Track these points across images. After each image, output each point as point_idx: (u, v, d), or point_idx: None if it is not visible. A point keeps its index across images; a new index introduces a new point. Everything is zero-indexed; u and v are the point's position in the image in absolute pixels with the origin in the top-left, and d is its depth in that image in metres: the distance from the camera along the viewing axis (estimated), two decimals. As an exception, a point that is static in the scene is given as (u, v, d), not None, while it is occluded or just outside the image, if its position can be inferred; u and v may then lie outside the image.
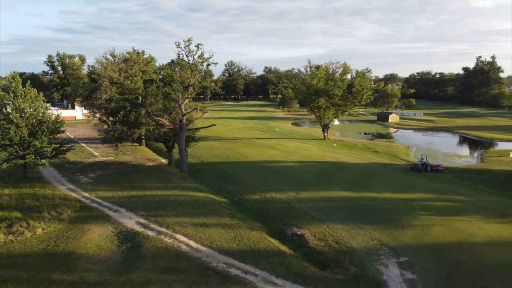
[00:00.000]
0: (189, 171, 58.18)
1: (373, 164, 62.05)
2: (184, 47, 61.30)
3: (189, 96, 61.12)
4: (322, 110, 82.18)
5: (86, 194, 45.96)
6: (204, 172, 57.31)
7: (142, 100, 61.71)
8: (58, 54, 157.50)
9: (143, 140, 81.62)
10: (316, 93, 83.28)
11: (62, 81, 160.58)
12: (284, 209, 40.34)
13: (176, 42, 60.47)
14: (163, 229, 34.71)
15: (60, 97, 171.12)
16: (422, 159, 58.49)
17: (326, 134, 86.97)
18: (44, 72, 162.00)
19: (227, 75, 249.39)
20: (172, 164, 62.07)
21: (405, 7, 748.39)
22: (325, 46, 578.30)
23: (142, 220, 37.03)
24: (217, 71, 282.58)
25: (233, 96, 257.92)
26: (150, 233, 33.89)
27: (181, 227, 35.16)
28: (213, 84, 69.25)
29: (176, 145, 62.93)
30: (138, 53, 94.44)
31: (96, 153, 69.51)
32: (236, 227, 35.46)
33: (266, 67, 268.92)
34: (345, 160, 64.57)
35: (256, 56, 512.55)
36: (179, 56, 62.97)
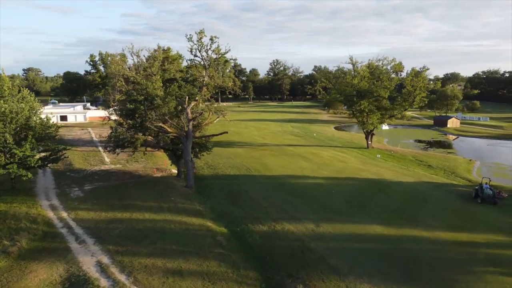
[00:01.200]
0: (198, 186, 49.67)
1: (423, 184, 49.70)
2: (197, 41, 52.99)
3: (199, 98, 52.50)
4: (365, 114, 70.35)
5: (64, 215, 38.80)
6: (213, 188, 48.39)
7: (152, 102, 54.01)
8: (100, 53, 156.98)
9: None
10: (358, 94, 71.54)
11: (104, 80, 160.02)
12: (294, 250, 30.37)
13: (187, 35, 52.35)
14: (121, 278, 26.08)
15: (103, 96, 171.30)
16: (486, 184, 44.12)
17: (370, 143, 74.85)
18: (86, 71, 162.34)
19: (272, 74, 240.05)
20: (181, 176, 53.78)
21: (470, 2, 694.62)
22: (381, 44, 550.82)
23: (104, 260, 28.74)
24: (262, 70, 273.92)
25: (278, 96, 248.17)
26: (103, 283, 25.37)
27: (146, 275, 26.37)
28: (231, 83, 60.13)
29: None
30: (164, 49, 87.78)
31: (107, 160, 63.11)
32: (221, 279, 26.12)
33: (315, 66, 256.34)
34: (388, 177, 52.69)
35: (308, 55, 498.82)
36: (191, 51, 54.65)
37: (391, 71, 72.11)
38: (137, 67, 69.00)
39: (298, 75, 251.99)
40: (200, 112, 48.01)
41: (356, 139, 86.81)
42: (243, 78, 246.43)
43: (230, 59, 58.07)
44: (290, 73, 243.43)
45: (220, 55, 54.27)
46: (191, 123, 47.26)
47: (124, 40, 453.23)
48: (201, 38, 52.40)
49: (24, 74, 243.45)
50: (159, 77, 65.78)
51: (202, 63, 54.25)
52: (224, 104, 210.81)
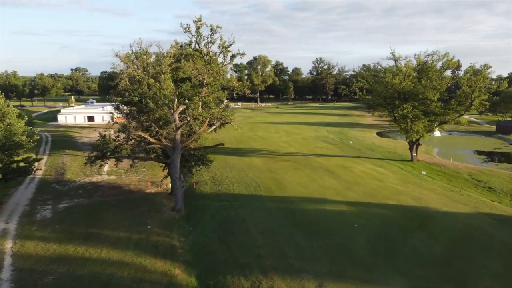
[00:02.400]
0: (190, 207, 40.87)
1: (482, 218, 37.17)
2: (195, 31, 44.07)
3: (197, 101, 43.53)
4: (409, 120, 57.94)
5: (8, 246, 31.62)
6: (206, 213, 39.18)
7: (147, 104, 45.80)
8: (136, 52, 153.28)
9: None
10: (399, 96, 59.15)
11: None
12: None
13: (183, 26, 43.68)
14: None
15: None
16: None
17: (414, 154, 62.08)
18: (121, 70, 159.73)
19: (314, 73, 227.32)
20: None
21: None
22: (439, 42, 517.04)
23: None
24: (305, 69, 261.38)
25: (322, 97, 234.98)
26: None
27: None
28: (237, 83, 50.56)
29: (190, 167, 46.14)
30: (181, 45, 79.94)
31: (105, 169, 55.92)
32: None
33: (364, 65, 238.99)
34: (433, 204, 40.58)
35: (362, 54, 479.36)
36: (190, 45, 45.82)
37: (443, 68, 58.88)
38: (145, 65, 61.56)
39: (344, 74, 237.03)
40: (188, 119, 38.72)
41: (399, 149, 73.92)
42: (285, 78, 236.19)
43: (238, 54, 48.35)
44: (335, 72, 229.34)
45: (224, 49, 44.97)
46: (179, 131, 38.29)
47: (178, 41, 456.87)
48: (199, 28, 43.42)
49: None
50: (168, 75, 57.75)
51: (202, 57, 45.14)
52: (262, 104, 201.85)
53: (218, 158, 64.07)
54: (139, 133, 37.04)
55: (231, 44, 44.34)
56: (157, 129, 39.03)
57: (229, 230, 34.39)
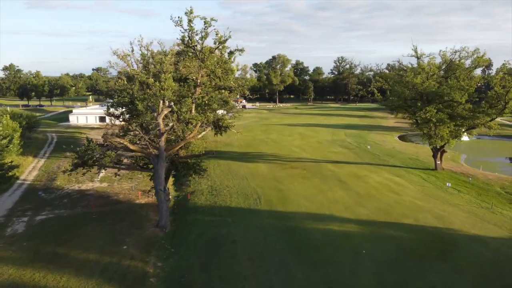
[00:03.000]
0: (178, 222, 36.47)
1: (519, 244, 31.06)
2: (187, 25, 39.65)
3: (189, 102, 39.02)
4: (432, 125, 51.64)
5: (-39, 268, 27.53)
6: (194, 230, 34.60)
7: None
8: (152, 51, 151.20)
9: None
10: (421, 97, 52.86)
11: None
12: None
13: (172, 17, 39.31)
14: None
15: None
16: None
17: (438, 162, 55.63)
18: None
19: (336, 72, 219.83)
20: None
21: None
22: (467, 41, 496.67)
23: None
24: (327, 69, 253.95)
25: (343, 97, 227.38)
26: None
27: None
28: (234, 83, 45.69)
29: (184, 174, 41.73)
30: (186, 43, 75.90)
31: (99, 175, 52.19)
32: None
33: (388, 64, 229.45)
34: (459, 225, 34.60)
35: (386, 54, 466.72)
36: (183, 41, 41.39)
37: (472, 66, 52.21)
38: (146, 63, 57.62)
39: (367, 73, 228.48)
40: (171, 124, 34.09)
41: (422, 155, 67.31)
42: (306, 77, 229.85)
43: (236, 50, 43.67)
44: (357, 72, 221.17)
45: (219, 44, 40.30)
46: (163, 137, 33.78)
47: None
48: (191, 21, 38.93)
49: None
50: (169, 75, 53.61)
51: (195, 54, 40.58)
52: (281, 105, 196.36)
53: (222, 164, 59.59)
54: (117, 139, 32.71)
55: (226, 39, 39.70)
56: (141, 134, 34.66)
57: (215, 253, 29.64)
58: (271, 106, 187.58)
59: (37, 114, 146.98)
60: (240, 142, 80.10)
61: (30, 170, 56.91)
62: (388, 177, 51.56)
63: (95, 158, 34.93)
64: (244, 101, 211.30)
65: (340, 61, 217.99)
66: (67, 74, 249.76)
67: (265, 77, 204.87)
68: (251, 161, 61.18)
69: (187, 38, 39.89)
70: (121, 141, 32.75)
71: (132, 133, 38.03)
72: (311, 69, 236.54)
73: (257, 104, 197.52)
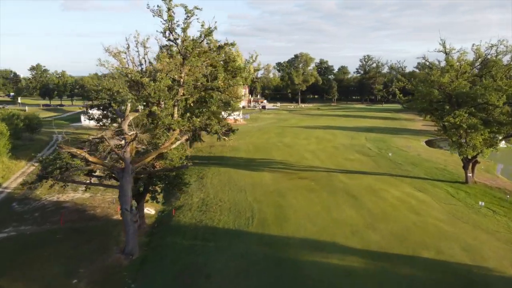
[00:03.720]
0: (154, 245, 31.15)
1: None
2: (166, 12, 34.16)
3: (169, 104, 33.61)
4: (463, 131, 44.19)
5: None
6: (168, 257, 29.11)
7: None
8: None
9: None
10: (450, 99, 45.36)
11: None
12: None
13: (153, 8, 33.90)
14: None
15: None
16: None
17: (470, 175, 47.92)
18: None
19: (362, 72, 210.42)
20: (143, 225, 35.36)
21: None
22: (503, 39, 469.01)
23: None
24: (352, 67, 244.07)
25: (369, 97, 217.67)
26: None
27: None
28: (222, 83, 39.84)
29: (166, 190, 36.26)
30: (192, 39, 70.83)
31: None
32: None
33: (418, 63, 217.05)
34: (494, 261, 27.49)
35: (417, 53, 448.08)
36: (164, 33, 35.93)
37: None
38: (142, 61, 52.82)
39: (395, 73, 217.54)
40: (134, 132, 28.53)
41: (451, 164, 59.39)
42: (330, 77, 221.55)
43: (226, 44, 37.95)
44: (384, 71, 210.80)
45: (204, 37, 34.64)
46: (128, 147, 28.38)
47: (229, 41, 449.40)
48: (170, 9, 33.41)
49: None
50: (165, 74, 48.64)
51: (178, 50, 35.00)
52: (302, 105, 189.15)
53: (223, 172, 54.03)
54: (73, 149, 27.54)
55: (212, 31, 33.95)
56: (108, 142, 29.40)
57: (180, 293, 24.01)
58: (292, 107, 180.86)
59: (55, 113, 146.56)
60: (249, 146, 74.38)
61: (17, 176, 53.24)
62: (409, 192, 44.41)
63: (60, 170, 30.00)
64: (265, 101, 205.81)
65: (366, 60, 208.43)
66: (96, 74, 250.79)
67: (287, 76, 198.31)
68: (255, 169, 55.24)
69: (168, 31, 34.33)
70: (77, 152, 27.56)
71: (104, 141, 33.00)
72: (336, 68, 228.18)
73: (278, 104, 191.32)
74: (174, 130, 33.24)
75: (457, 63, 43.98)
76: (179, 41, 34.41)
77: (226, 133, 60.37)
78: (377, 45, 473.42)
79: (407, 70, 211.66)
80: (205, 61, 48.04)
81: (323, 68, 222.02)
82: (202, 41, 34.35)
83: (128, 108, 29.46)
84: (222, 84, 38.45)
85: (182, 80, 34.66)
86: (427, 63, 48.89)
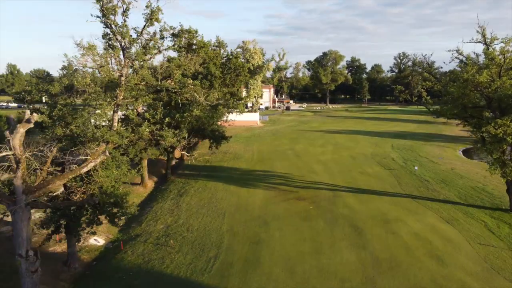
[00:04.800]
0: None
1: None
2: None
3: (101, 111, 25.64)
4: (507, 146, 33.59)
5: None
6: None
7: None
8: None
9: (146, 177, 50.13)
10: (489, 103, 34.62)
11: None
12: None
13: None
14: None
15: None
16: None
17: (516, 201, 37.07)
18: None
19: (396, 71, 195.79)
20: (69, 263, 27.66)
21: None
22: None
23: None
24: (385, 66, 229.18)
25: (405, 98, 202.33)
26: None
27: None
28: (174, 82, 31.20)
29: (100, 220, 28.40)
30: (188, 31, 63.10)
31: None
32: None
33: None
34: None
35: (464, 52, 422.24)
36: (102, 17, 27.81)
37: None
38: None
39: (434, 71, 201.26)
40: (19, 154, 20.52)
41: (493, 183, 48.18)
42: (363, 76, 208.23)
43: (183, 31, 29.55)
44: (422, 70, 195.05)
45: (147, 22, 26.32)
46: (19, 171, 20.54)
47: (265, 40, 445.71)
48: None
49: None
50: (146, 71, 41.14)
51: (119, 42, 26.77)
52: (330, 106, 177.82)
53: (209, 187, 45.97)
54: None
55: (154, 11, 25.49)
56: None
57: None
58: (319, 108, 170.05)
59: None
60: (253, 154, 65.79)
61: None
62: (432, 224, 34.21)
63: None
64: (291, 101, 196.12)
65: (401, 58, 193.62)
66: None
67: (315, 75, 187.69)
68: (248, 185, 46.59)
69: (103, 18, 26.18)
70: None
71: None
72: (369, 67, 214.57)
73: (304, 105, 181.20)
74: (112, 142, 25.29)
75: (500, 56, 33.16)
76: (116, 28, 26.43)
77: (217, 141, 52.24)
78: (419, 43, 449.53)
79: (446, 68, 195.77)
80: (191, 58, 40.26)
81: (355, 67, 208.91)
82: (146, 27, 26.19)
83: (27, 114, 21.70)
84: (173, 83, 30.03)
85: (122, 79, 26.68)
86: (460, 57, 38.14)
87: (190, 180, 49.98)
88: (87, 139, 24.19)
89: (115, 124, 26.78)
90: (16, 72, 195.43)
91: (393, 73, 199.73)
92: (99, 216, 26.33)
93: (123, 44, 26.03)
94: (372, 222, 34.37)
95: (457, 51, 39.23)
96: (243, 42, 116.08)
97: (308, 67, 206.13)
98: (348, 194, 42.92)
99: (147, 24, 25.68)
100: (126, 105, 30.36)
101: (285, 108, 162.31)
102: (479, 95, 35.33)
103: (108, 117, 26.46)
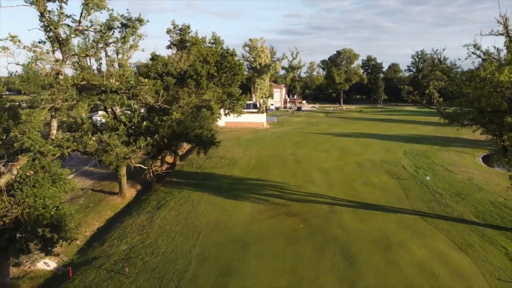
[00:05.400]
0: None
1: None
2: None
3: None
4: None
5: None
6: None
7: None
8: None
9: (124, 185, 46.01)
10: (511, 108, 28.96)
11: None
12: None
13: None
14: None
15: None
16: None
17: (544, 224, 31.19)
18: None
19: (414, 70, 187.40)
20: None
21: None
22: None
23: None
24: (403, 65, 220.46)
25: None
26: None
27: None
28: (116, 82, 26.43)
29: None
30: (180, 29, 59.30)
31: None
32: None
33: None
34: None
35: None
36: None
37: None
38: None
39: (455, 70, 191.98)
40: None
41: (517, 197, 42.17)
42: (379, 75, 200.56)
43: (133, 21, 24.88)
44: (431, 67, 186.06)
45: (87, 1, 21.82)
46: None
47: (284, 40, 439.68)
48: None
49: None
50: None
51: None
52: (344, 107, 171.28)
53: (192, 198, 41.65)
54: None
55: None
56: None
57: None
58: (331, 108, 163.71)
59: None
60: (251, 159, 60.97)
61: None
62: (441, 251, 28.73)
63: None
64: (304, 102, 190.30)
65: (419, 56, 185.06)
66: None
67: (328, 75, 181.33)
68: (237, 196, 41.85)
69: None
70: None
71: None
72: (386, 66, 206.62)
73: (317, 105, 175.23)
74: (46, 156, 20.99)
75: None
76: (48, 16, 21.94)
77: (205, 147, 47.70)
78: (441, 42, 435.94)
79: (465, 67, 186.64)
80: (182, 55, 36.11)
81: (371, 66, 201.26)
82: (85, 16, 21.63)
83: None
84: (115, 83, 25.43)
85: (60, 78, 22.25)
86: (478, 52, 32.39)
87: (174, 189, 45.55)
88: (14, 150, 19.88)
89: (54, 131, 22.40)
90: None
91: (411, 73, 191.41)
92: (29, 243, 21.95)
93: (59, 36, 21.57)
94: (368, 247, 29.14)
95: (475, 45, 33.50)
96: (250, 40, 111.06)
97: (323, 66, 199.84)
98: (347, 210, 37.66)
99: (85, 12, 21.13)
100: (67, 109, 25.92)
101: (296, 109, 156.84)
102: (500, 98, 29.64)
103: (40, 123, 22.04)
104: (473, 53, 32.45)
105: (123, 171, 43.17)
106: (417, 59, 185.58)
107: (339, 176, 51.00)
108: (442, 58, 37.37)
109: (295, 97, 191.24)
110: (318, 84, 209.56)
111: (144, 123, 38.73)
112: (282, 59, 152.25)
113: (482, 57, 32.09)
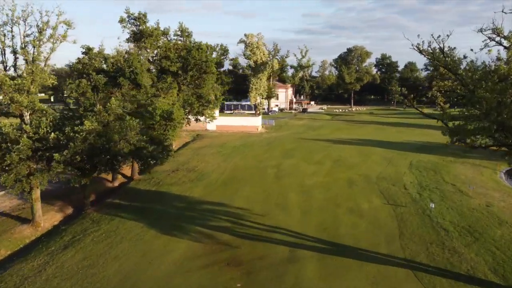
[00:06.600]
0: None
1: None
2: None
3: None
4: None
5: None
6: None
7: None
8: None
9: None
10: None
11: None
12: None
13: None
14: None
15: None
16: None
17: None
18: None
19: (431, 69, 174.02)
20: None
21: None
22: None
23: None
24: (420, 64, 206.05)
25: (441, 101, 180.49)
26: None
27: None
28: (51, 80, 17.28)
29: None
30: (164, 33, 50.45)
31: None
32: None
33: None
34: None
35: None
36: None
37: None
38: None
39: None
40: None
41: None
42: (393, 75, 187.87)
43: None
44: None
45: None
46: None
47: (302, 40, 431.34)
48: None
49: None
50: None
51: None
52: (353, 108, 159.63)
53: (123, 230, 32.59)
54: None
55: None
56: None
57: None
58: (338, 110, 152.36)
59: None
60: (223, 173, 51.40)
61: None
62: None
63: None
64: (312, 103, 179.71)
65: (436, 53, 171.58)
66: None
67: (339, 74, 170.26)
68: (177, 229, 32.27)
69: None
70: None
71: None
72: (401, 65, 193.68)
73: (325, 107, 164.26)
74: None
75: None
76: None
77: (144, 164, 38.32)
78: (462, 41, 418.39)
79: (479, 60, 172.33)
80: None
81: (385, 65, 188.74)
82: None
83: None
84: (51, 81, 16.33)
85: None
86: (498, 38, 22.02)
87: (106, 216, 36.27)
88: None
89: None
90: None
91: (428, 72, 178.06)
92: None
93: None
94: (322, 335, 19.10)
95: (494, 29, 23.09)
96: (245, 35, 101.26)
97: (335, 65, 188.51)
98: (312, 256, 27.59)
99: None
100: None
101: (301, 110, 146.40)
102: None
103: None
104: (490, 38, 22.00)
105: (36, 194, 34.06)
106: (434, 57, 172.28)
107: (320, 199, 40.79)
108: (446, 48, 26.86)
109: (302, 97, 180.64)
110: (330, 84, 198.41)
111: (52, 134, 29.58)
112: (286, 57, 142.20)
113: (504, 44, 21.62)
